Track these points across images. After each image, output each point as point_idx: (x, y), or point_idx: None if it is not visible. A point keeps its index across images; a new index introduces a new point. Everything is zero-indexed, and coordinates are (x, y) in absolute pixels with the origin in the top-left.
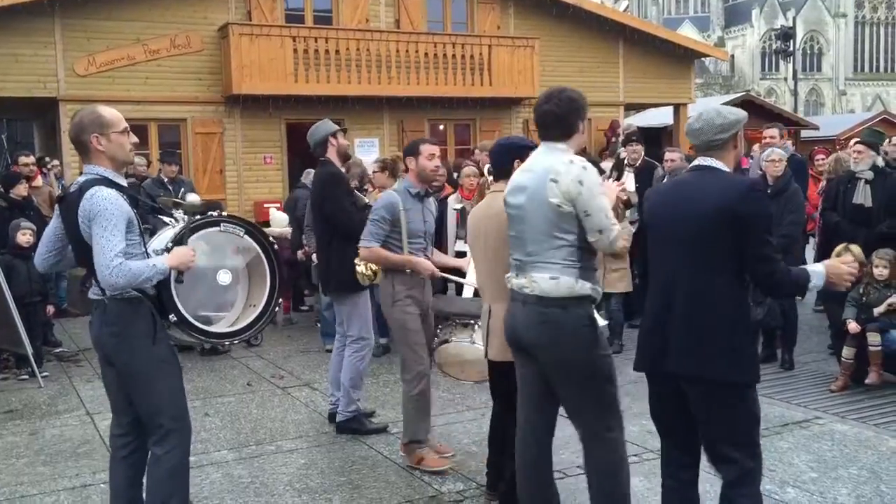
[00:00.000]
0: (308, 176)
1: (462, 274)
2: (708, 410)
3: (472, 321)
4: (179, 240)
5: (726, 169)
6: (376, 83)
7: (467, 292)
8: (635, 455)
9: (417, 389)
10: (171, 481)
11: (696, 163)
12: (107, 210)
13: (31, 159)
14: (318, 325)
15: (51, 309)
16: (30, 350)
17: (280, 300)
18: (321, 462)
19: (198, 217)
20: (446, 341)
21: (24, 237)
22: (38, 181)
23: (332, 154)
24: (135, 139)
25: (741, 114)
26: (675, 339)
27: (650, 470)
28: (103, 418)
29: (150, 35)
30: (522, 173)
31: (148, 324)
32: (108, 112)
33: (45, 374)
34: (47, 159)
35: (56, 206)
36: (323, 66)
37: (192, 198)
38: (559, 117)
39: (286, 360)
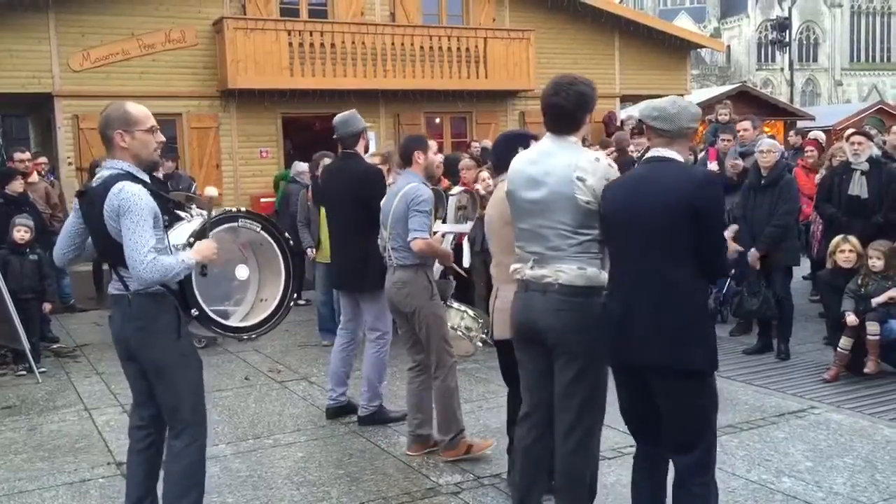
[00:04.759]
0: (297, 168)
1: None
2: (675, 399)
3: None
4: (201, 233)
5: (682, 160)
6: (372, 76)
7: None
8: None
9: (454, 380)
10: (190, 477)
11: (653, 154)
12: (136, 205)
13: (27, 155)
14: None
15: (47, 306)
16: (27, 346)
17: (296, 295)
18: (319, 455)
19: (225, 210)
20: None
21: (18, 234)
22: (34, 177)
23: (360, 148)
24: (161, 138)
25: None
26: (643, 330)
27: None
28: (101, 413)
29: (144, 30)
30: (532, 165)
31: (172, 318)
32: (136, 109)
33: (42, 369)
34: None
35: (75, 201)
36: (318, 60)
37: (211, 191)
38: (568, 112)
39: (283, 355)
